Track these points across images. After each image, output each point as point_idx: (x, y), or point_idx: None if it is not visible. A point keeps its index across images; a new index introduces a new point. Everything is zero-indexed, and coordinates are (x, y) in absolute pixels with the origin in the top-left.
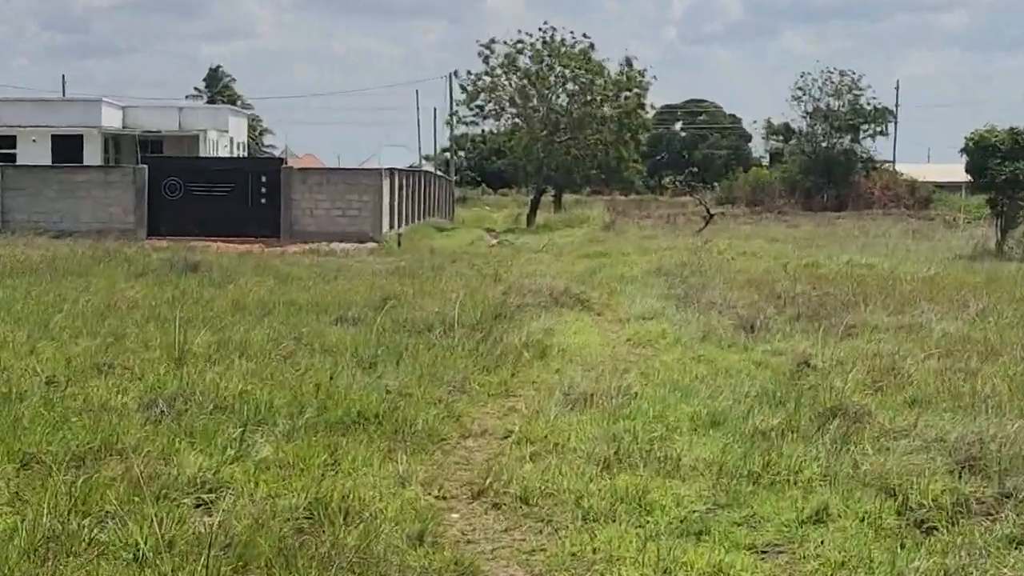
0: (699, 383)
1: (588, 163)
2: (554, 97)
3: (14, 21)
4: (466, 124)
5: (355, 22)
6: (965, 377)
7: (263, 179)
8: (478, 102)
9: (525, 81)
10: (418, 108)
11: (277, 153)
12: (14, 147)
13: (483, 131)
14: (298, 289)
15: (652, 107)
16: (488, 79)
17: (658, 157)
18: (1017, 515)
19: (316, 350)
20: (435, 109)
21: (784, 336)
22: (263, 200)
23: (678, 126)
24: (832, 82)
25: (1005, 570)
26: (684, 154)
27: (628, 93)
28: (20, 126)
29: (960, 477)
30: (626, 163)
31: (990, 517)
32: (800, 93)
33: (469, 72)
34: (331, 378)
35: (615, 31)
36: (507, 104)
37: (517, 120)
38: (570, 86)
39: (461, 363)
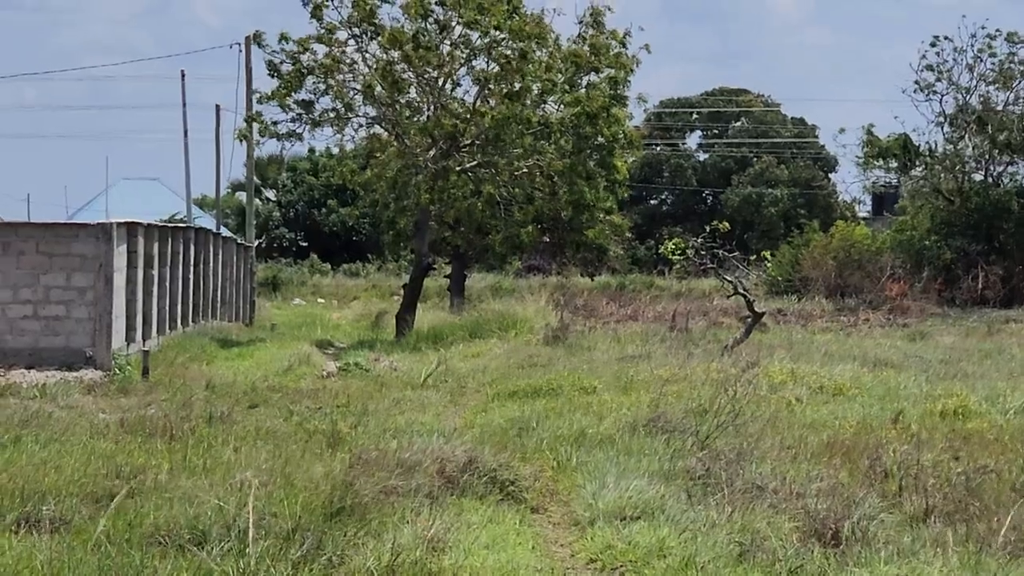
0: None
1: (518, 212)
2: (451, 85)
3: None
4: (279, 137)
5: None
6: None
7: None
8: (302, 94)
9: (394, 53)
10: (184, 107)
11: None
12: None
13: (312, 151)
14: None
15: (643, 103)
16: (322, 50)
17: (654, 200)
18: None
19: None
20: (218, 108)
21: (900, 555)
22: None
23: (694, 141)
24: (994, 55)
25: None
26: (706, 196)
27: (594, 77)
28: None
29: None
30: (591, 212)
31: None
32: (931, 78)
33: (285, 37)
34: None
35: None
36: (359, 98)
37: (379, 129)
38: (481, 63)
39: None
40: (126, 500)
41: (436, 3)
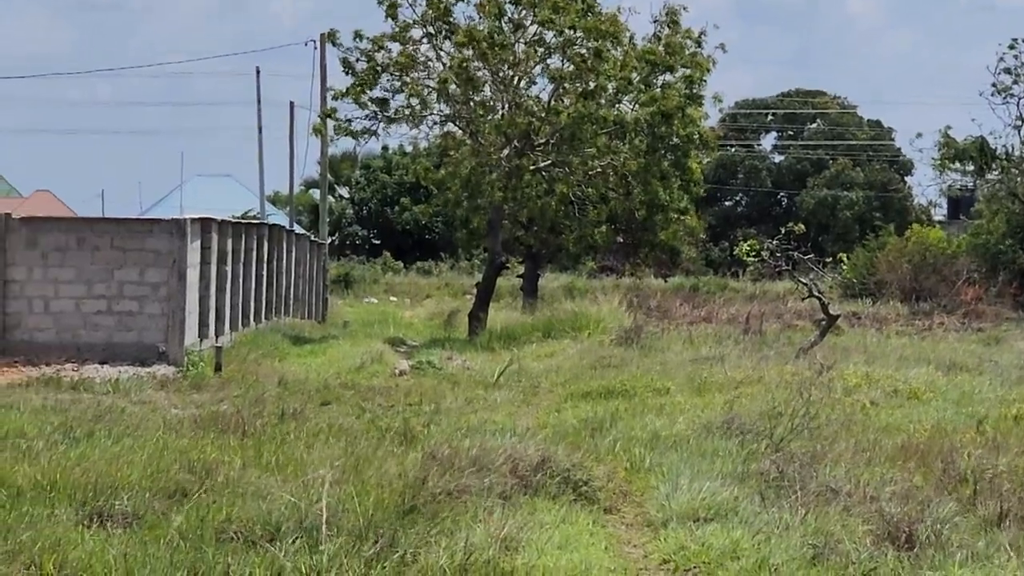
0: None
1: (592, 212)
2: (526, 83)
3: None
4: (354, 135)
5: None
6: None
7: None
8: (377, 92)
9: (468, 51)
10: (259, 103)
11: None
12: None
13: (386, 149)
14: (17, 457)
15: (718, 103)
16: (397, 48)
17: (729, 202)
18: None
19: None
20: (292, 105)
21: (974, 559)
22: None
23: (769, 142)
24: None
25: None
26: (781, 198)
27: (670, 77)
28: None
29: None
30: (666, 213)
31: None
32: (1009, 80)
33: (360, 35)
34: None
35: None
36: (434, 96)
37: (453, 127)
38: (556, 62)
39: None
40: (199, 495)
41: (510, 2)
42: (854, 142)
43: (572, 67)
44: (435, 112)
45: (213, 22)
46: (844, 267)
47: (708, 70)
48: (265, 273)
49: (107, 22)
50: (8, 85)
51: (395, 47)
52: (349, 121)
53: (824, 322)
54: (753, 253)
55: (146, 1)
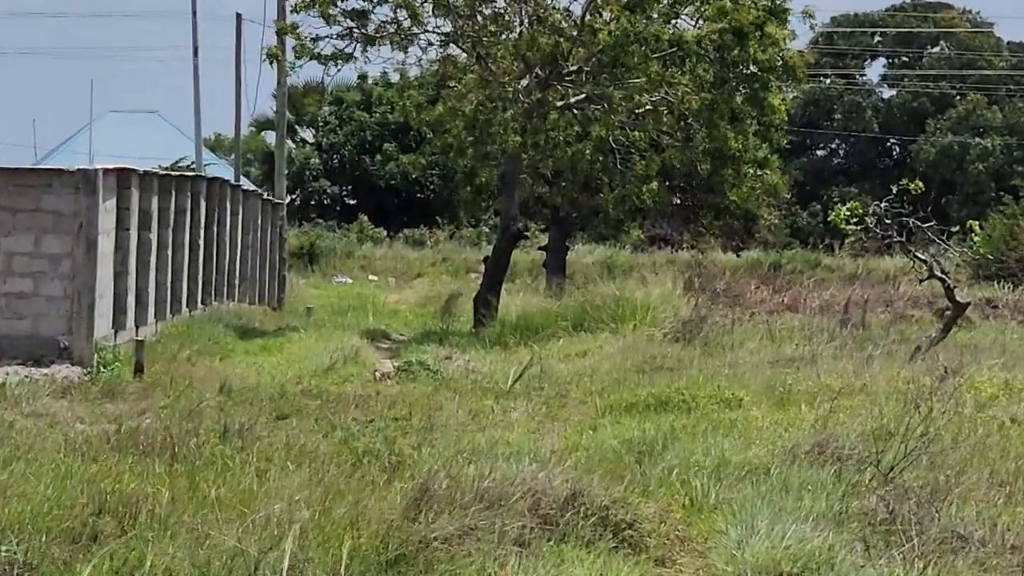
0: None
1: (639, 163)
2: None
3: None
4: (322, 61)
5: None
6: None
7: None
8: (352, 3)
9: None
10: (195, 15)
11: None
12: None
13: (363, 78)
14: None
15: (809, 18)
16: None
17: (822, 151)
18: None
19: None
20: (239, 18)
21: None
22: None
23: (876, 71)
24: None
25: None
26: (891, 146)
27: None
28: None
29: None
30: (738, 165)
31: None
32: None
33: None
34: None
35: None
36: (429, 7)
37: (456, 48)
38: None
39: None
40: (113, 540)
41: None
42: (989, 72)
43: None
44: (431, 29)
45: None
46: (976, 239)
47: None
48: (203, 243)
49: None
50: None
51: None
52: (315, 40)
53: (949, 312)
54: (855, 220)
55: None
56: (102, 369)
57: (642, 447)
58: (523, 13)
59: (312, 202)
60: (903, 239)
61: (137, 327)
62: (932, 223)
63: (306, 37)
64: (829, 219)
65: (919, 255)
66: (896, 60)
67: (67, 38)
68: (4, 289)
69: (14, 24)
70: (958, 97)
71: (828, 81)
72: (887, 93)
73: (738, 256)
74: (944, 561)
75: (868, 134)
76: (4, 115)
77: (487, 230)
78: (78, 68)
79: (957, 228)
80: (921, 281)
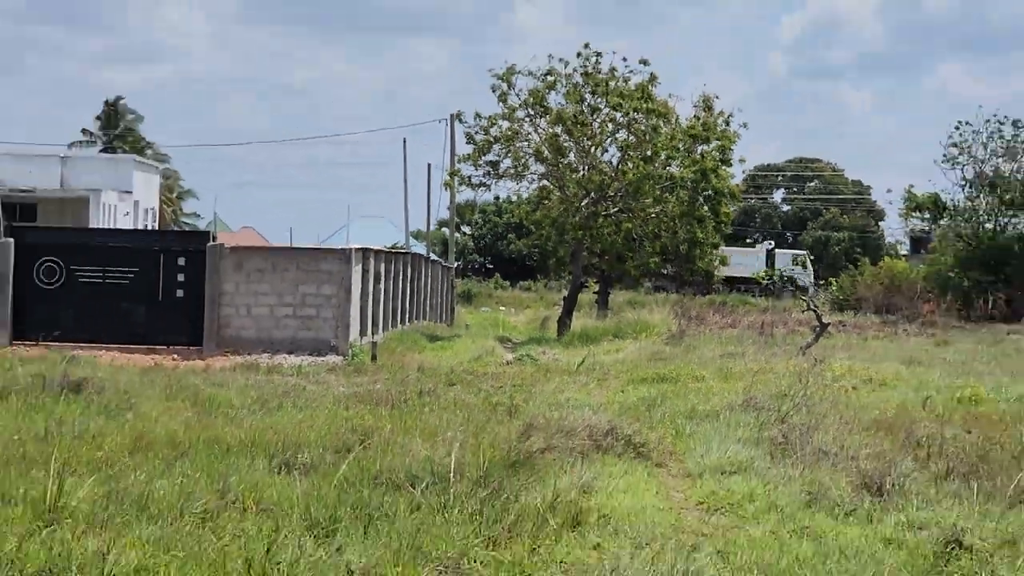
0: (803, 569)
1: (648, 246)
2: (600, 151)
3: None
4: (473, 187)
5: (321, 40)
6: None
7: (181, 262)
8: (490, 156)
9: (558, 128)
10: (405, 164)
11: (202, 226)
12: None
13: (497, 198)
14: (226, 421)
15: (742, 164)
16: (505, 124)
17: (749, 240)
18: None
19: (249, 509)
20: (429, 166)
21: (926, 502)
22: (180, 292)
23: (779, 195)
24: (1003, 136)
25: None
26: (787, 236)
27: (706, 146)
28: None
29: None
30: (703, 247)
31: None
32: (956, 152)
33: (478, 115)
34: (268, 551)
35: (689, 58)
36: (532, 160)
37: (546, 182)
38: (622, 135)
39: (458, 532)
40: (359, 451)
41: (589, 92)
42: (842, 196)
43: (635, 139)
44: (532, 172)
45: (375, 103)
46: (833, 288)
47: (734, 141)
48: (409, 289)
49: (297, 104)
50: (221, 152)
51: (504, 124)
52: (470, 178)
53: (818, 328)
54: (767, 277)
55: (326, 88)
56: (353, 358)
57: (649, 402)
58: (584, 163)
59: (468, 267)
60: (794, 288)
61: (372, 334)
62: (813, 280)
63: (465, 176)
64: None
65: (803, 297)
66: (790, 189)
67: (337, 176)
68: (301, 313)
69: (312, 168)
70: (824, 210)
71: (752, 201)
72: (786, 208)
73: (703, 297)
74: (814, 466)
75: (775, 231)
76: (302, 218)
77: (564, 282)
78: (342, 193)
79: (823, 282)
80: (803, 311)
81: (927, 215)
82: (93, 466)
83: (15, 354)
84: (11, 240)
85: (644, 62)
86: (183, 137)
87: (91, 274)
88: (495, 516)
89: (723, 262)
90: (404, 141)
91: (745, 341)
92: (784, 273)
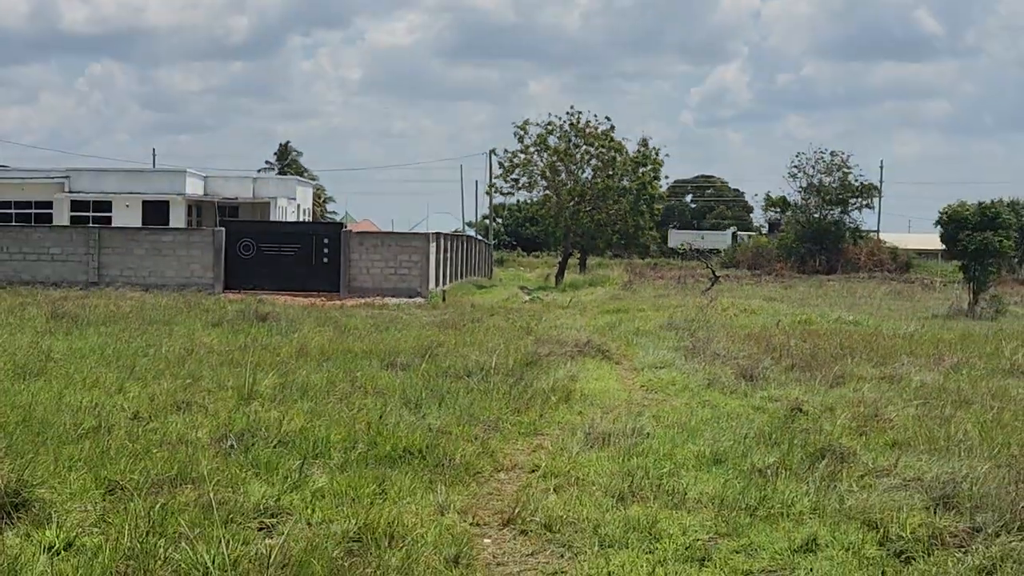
0: (704, 425)
1: (609, 229)
2: (580, 172)
3: (117, 102)
4: (503, 195)
5: (410, 104)
6: (940, 423)
7: (326, 241)
8: (513, 176)
9: (555, 158)
10: (462, 180)
11: (338, 218)
12: (110, 211)
13: (518, 201)
14: (354, 338)
15: (666, 180)
16: (522, 156)
17: (671, 225)
18: (986, 548)
19: (368, 392)
20: (476, 182)
21: (779, 384)
22: (325, 259)
23: (689, 198)
24: (824, 161)
25: None
26: (694, 222)
27: (645, 168)
28: (115, 192)
29: (935, 513)
30: (643, 230)
31: (962, 549)
32: (796, 171)
33: (506, 150)
34: (380, 417)
35: (635, 114)
36: (539, 177)
37: (548, 191)
38: (594, 162)
39: (496, 405)
40: (434, 355)
41: (574, 135)
42: (727, 199)
43: (601, 164)
44: (540, 185)
45: (443, 143)
46: (722, 254)
47: (661, 165)
48: (464, 257)
49: (396, 144)
50: (350, 173)
51: (521, 155)
52: (501, 189)
53: (713, 279)
54: (682, 248)
55: (413, 134)
56: (431, 299)
57: (611, 324)
58: (571, 180)
59: (501, 243)
60: (699, 254)
61: (442, 285)
62: (709, 250)
63: (498, 187)
64: (674, 248)
65: (704, 260)
66: (696, 194)
67: (421, 189)
68: (399, 272)
69: (406, 183)
70: (716, 207)
71: (673, 202)
72: (693, 206)
73: (643, 260)
74: (711, 363)
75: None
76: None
77: (559, 253)
78: (424, 199)
79: (717, 250)
80: (705, 268)
81: (778, 209)
82: (273, 366)
83: (226, 298)
84: (224, 228)
85: (607, 118)
86: (327, 165)
87: (271, 249)
88: (518, 395)
89: (655, 240)
90: (461, 167)
91: (670, 288)
92: (692, 245)
